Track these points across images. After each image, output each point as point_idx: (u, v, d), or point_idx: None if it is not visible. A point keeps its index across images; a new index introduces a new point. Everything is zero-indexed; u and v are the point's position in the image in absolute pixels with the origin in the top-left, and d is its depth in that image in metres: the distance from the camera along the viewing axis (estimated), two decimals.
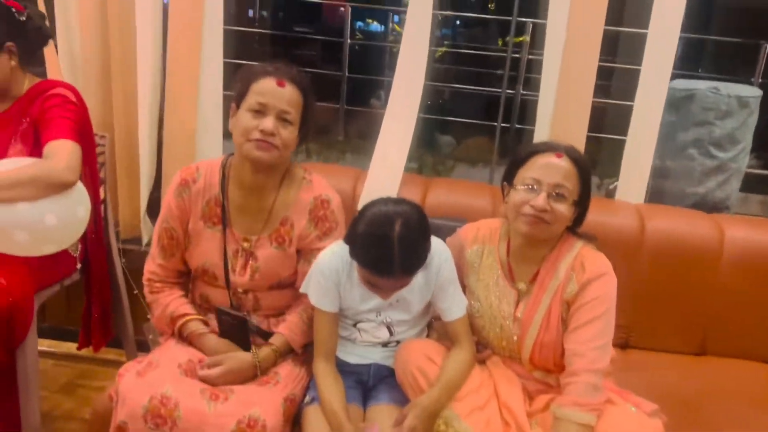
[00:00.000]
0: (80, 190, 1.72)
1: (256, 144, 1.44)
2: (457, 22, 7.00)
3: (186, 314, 1.57)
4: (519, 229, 1.46)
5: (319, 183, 1.61)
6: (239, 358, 1.49)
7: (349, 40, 4.32)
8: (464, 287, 1.55)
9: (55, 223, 1.64)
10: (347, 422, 1.37)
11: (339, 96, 4.44)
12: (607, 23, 2.00)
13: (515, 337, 1.49)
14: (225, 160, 1.59)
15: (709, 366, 1.94)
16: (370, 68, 5.39)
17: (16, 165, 1.64)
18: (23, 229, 1.60)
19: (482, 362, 1.53)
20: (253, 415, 1.33)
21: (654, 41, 1.98)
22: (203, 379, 1.45)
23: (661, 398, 1.46)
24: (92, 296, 2.01)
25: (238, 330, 1.54)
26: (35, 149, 1.74)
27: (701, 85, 2.20)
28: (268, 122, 1.43)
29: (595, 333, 1.41)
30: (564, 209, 1.41)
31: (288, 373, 1.51)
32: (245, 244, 1.56)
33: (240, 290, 1.58)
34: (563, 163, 1.42)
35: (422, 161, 4.58)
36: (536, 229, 1.43)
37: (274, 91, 1.45)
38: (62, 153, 1.66)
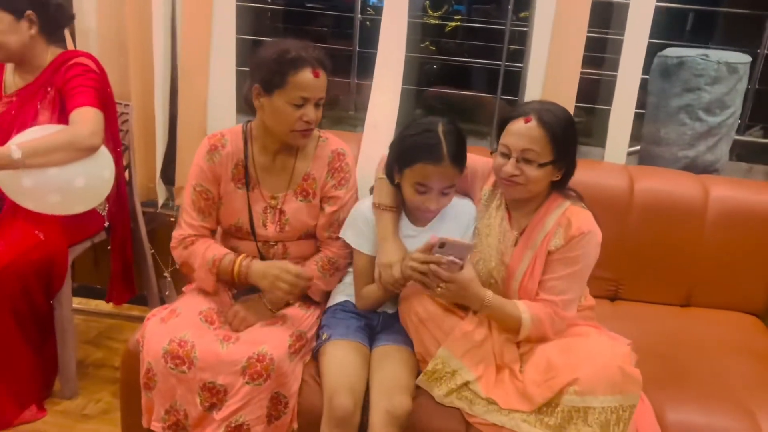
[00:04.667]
0: (105, 154, 1.87)
1: (301, 134, 1.61)
2: None
3: (227, 253, 1.67)
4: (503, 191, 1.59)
5: (334, 139, 1.77)
6: (249, 297, 1.68)
7: (359, 16, 4.41)
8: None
9: (83, 185, 1.79)
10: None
11: (350, 70, 4.54)
12: None
13: (501, 280, 1.60)
14: (245, 127, 1.73)
15: (692, 316, 2.06)
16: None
17: (44, 132, 1.77)
18: (56, 191, 1.76)
19: None
20: (261, 351, 1.48)
21: (633, 11, 2.08)
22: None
23: (645, 345, 1.57)
24: (116, 253, 2.16)
25: None
26: (61, 116, 1.88)
27: (692, 53, 2.25)
28: (311, 113, 1.58)
29: (567, 287, 1.53)
30: (533, 171, 1.50)
31: (295, 314, 1.66)
32: (273, 202, 1.71)
33: (271, 242, 1.73)
34: (531, 127, 1.50)
35: None
36: (513, 192, 1.56)
37: (314, 83, 1.57)
38: (87, 119, 1.80)
